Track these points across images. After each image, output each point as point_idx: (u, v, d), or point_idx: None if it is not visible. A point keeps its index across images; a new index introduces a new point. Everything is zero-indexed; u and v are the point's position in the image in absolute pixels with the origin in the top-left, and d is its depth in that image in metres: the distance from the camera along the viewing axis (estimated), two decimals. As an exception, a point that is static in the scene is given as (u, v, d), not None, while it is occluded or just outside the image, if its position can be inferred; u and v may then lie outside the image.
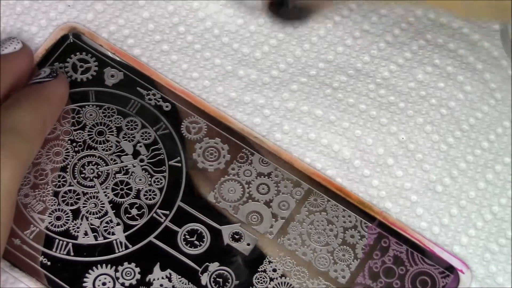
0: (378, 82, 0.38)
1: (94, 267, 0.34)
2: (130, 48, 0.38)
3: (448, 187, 0.36)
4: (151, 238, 0.35)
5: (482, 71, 0.38)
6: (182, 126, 0.36)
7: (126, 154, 0.36)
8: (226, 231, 0.35)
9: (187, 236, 0.35)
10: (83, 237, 0.34)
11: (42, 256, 0.34)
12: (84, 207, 0.35)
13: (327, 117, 0.37)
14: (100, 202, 0.35)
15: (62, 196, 0.35)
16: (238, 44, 0.38)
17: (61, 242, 0.34)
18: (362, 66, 0.38)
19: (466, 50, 0.38)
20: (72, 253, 0.34)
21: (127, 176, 0.35)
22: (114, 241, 0.34)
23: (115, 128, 0.36)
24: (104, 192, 0.35)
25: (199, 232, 0.35)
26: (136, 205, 0.35)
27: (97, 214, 0.35)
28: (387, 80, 0.38)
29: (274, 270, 0.34)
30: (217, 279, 0.34)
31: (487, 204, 0.36)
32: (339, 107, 0.37)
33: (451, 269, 0.35)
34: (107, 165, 0.36)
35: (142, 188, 0.35)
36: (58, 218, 0.35)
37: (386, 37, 0.38)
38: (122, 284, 0.34)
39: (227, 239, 0.35)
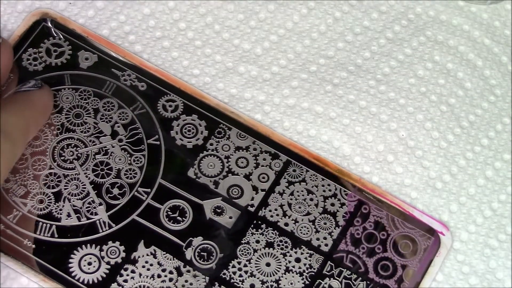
0: (378, 78, 0.38)
1: (79, 248, 0.34)
2: (131, 45, 0.38)
3: (448, 183, 0.37)
4: (134, 216, 0.35)
5: (482, 67, 0.38)
6: (158, 104, 0.37)
7: (105, 135, 0.36)
8: (208, 205, 0.35)
9: (169, 213, 0.35)
10: (66, 219, 0.35)
11: (27, 240, 0.34)
12: (65, 189, 0.35)
13: (328, 114, 0.37)
14: (81, 183, 0.35)
15: (43, 180, 0.35)
16: (238, 40, 0.38)
17: (44, 224, 0.34)
18: (363, 62, 0.38)
19: (466, 47, 0.38)
20: (56, 235, 0.34)
21: (106, 156, 0.36)
22: (98, 221, 0.35)
23: (92, 110, 0.36)
24: (85, 173, 0.35)
25: (181, 208, 0.35)
26: (117, 185, 0.35)
27: (79, 195, 0.35)
28: (387, 76, 0.38)
29: (258, 242, 0.35)
30: (202, 253, 0.35)
31: (487, 200, 0.36)
32: (339, 103, 0.38)
33: (431, 231, 0.35)
34: (86, 146, 0.36)
35: (122, 168, 0.36)
36: (41, 201, 0.35)
37: (386, 34, 0.39)
38: (108, 263, 0.34)
39: (209, 214, 0.35)
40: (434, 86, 0.38)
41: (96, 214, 0.35)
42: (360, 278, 0.35)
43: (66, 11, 0.38)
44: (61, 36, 0.37)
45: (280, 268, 0.35)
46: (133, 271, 0.34)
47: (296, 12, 0.39)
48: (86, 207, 0.35)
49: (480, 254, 0.36)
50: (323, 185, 0.36)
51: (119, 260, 0.34)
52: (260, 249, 0.35)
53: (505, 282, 0.35)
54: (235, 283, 0.34)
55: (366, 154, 0.37)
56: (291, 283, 0.34)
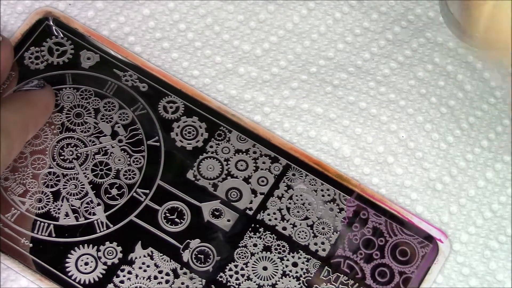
0: (378, 80, 0.38)
1: (76, 248, 0.34)
2: (131, 46, 0.38)
3: (448, 185, 0.37)
4: (132, 217, 0.35)
5: (481, 70, 0.38)
6: (159, 106, 0.37)
7: (105, 135, 0.36)
8: (206, 208, 0.35)
9: (167, 214, 0.35)
10: (64, 218, 0.35)
11: (24, 238, 0.34)
12: (64, 188, 0.35)
13: (327, 115, 0.37)
14: (80, 183, 0.35)
15: (42, 179, 0.35)
16: (238, 41, 0.38)
17: (42, 223, 0.34)
18: (363, 64, 0.38)
19: (465, 49, 0.38)
20: (53, 234, 0.34)
21: (106, 156, 0.36)
22: (95, 221, 0.35)
23: (92, 109, 0.36)
24: (84, 173, 0.35)
25: (179, 210, 0.35)
26: (116, 185, 0.35)
27: (77, 195, 0.35)
28: (387, 78, 0.38)
29: (255, 245, 0.35)
30: (199, 255, 0.35)
31: (487, 202, 0.36)
32: (339, 105, 0.37)
33: (429, 238, 0.35)
34: (86, 146, 0.36)
35: (122, 168, 0.36)
36: (39, 200, 0.35)
37: (386, 35, 0.38)
38: (105, 264, 0.34)
39: (207, 216, 0.35)
40: (434, 88, 0.38)
41: (94, 214, 0.35)
42: (357, 284, 0.35)
43: (66, 12, 0.38)
44: (64, 35, 0.37)
45: (277, 272, 0.35)
46: (129, 272, 0.34)
47: (296, 13, 0.39)
48: (84, 207, 0.35)
49: (480, 255, 0.36)
50: (322, 190, 0.36)
51: (116, 260, 0.34)
52: (258, 253, 0.35)
53: (505, 284, 0.35)
54: (232, 286, 0.34)
55: (366, 155, 0.37)
56: (288, 288, 0.34)
